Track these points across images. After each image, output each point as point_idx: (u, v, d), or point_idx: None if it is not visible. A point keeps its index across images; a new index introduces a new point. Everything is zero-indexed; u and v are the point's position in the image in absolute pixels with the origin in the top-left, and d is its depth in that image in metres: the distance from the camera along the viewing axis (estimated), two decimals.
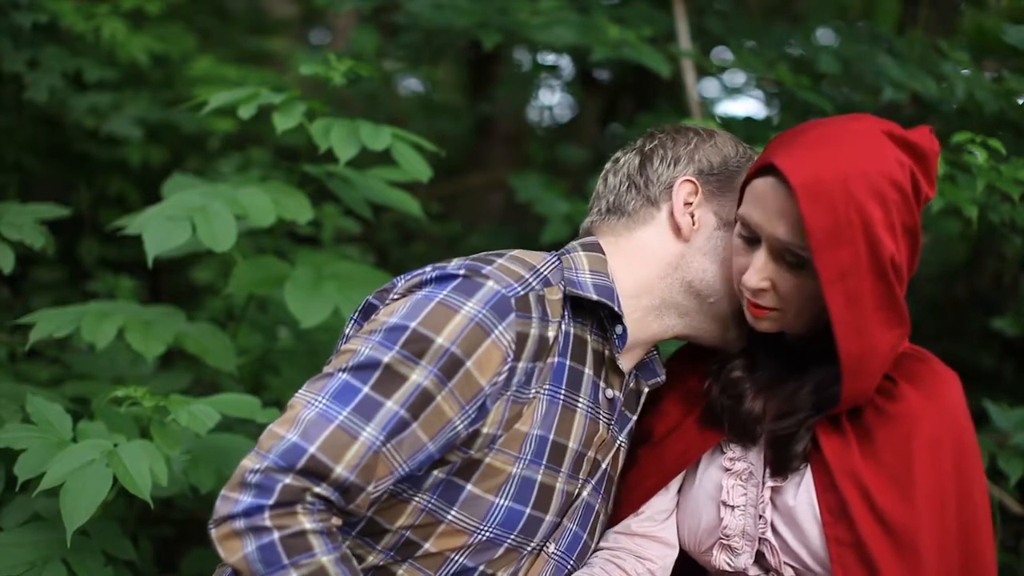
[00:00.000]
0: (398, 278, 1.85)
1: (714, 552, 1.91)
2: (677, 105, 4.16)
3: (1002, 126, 3.30)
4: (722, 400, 1.89)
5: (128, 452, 2.11)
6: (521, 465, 1.80)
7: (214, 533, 1.65)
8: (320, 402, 1.69)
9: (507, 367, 1.74)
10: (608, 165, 2.00)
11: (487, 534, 1.80)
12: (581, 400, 1.86)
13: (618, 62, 3.91)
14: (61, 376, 3.08)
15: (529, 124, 6.53)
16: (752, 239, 1.81)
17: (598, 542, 1.97)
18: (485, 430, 1.76)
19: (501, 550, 1.82)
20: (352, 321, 1.89)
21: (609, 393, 1.91)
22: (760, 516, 1.86)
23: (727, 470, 1.90)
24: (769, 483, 1.86)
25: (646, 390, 1.96)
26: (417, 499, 1.77)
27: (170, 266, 4.18)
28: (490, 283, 1.76)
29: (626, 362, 1.91)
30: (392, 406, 1.68)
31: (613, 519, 1.98)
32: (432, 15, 3.65)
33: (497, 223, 5.45)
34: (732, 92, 4.85)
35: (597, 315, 1.88)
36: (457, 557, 1.80)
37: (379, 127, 2.63)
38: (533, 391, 1.80)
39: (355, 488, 1.67)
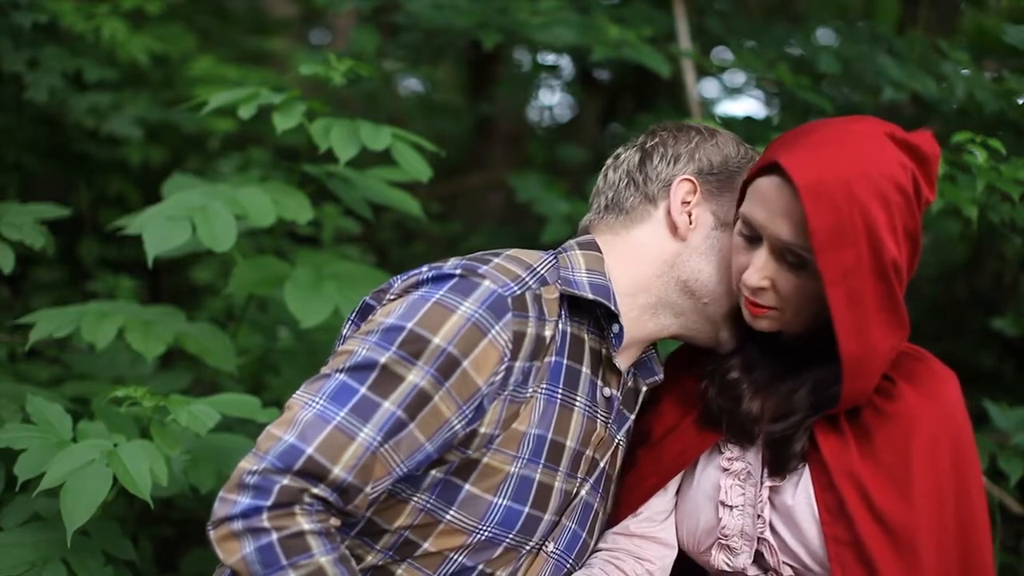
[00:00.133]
0: (395, 278, 1.85)
1: (713, 552, 1.91)
2: (677, 105, 4.16)
3: (1002, 126, 3.30)
4: (720, 401, 1.89)
5: (128, 452, 2.11)
6: (519, 464, 1.80)
7: (212, 535, 1.65)
8: (317, 403, 1.69)
9: (504, 367, 1.74)
10: (609, 161, 2.00)
11: (486, 533, 1.80)
12: (579, 399, 1.86)
13: (618, 62, 3.91)
14: (61, 376, 3.08)
15: (529, 124, 6.53)
16: (753, 238, 1.81)
17: (597, 541, 1.97)
18: (483, 430, 1.76)
19: (500, 549, 1.82)
20: (349, 321, 1.89)
21: (607, 392, 1.91)
22: (758, 516, 1.86)
23: (725, 470, 1.90)
24: (767, 483, 1.86)
25: (644, 389, 1.96)
26: (416, 499, 1.77)
27: (170, 266, 4.18)
28: (486, 283, 1.76)
29: (623, 361, 1.91)
30: (389, 407, 1.68)
31: (612, 520, 1.98)
32: (432, 15, 3.65)
33: (497, 223, 5.45)
34: (732, 92, 4.85)
35: (594, 314, 1.88)
36: (456, 556, 1.80)
37: (379, 127, 2.63)
38: (530, 390, 1.80)
39: (353, 489, 1.67)
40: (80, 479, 2.04)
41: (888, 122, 1.80)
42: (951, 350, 3.56)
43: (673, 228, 1.90)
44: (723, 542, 1.89)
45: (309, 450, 1.65)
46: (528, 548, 1.85)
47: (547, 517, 1.85)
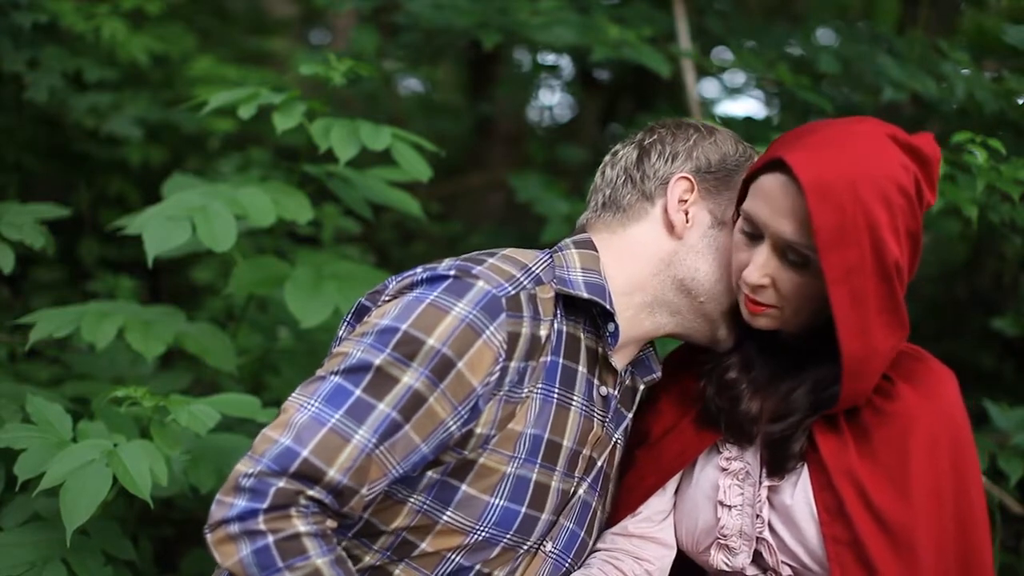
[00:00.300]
0: (390, 279, 1.85)
1: (712, 552, 1.91)
2: (677, 105, 4.16)
3: (1002, 126, 3.30)
4: (718, 400, 1.89)
5: (128, 452, 2.11)
6: (515, 464, 1.80)
7: (209, 538, 1.65)
8: (313, 405, 1.69)
9: (499, 367, 1.74)
10: (607, 158, 1.99)
11: (483, 534, 1.80)
12: (575, 398, 1.86)
13: (618, 62, 3.91)
14: (61, 376, 3.08)
15: (529, 124, 6.53)
16: (754, 235, 1.81)
17: (596, 540, 1.97)
18: (478, 430, 1.76)
19: (497, 549, 1.82)
20: (345, 323, 1.89)
21: (603, 391, 1.90)
22: (757, 515, 1.86)
23: (724, 470, 1.90)
24: (766, 482, 1.86)
25: (642, 387, 1.96)
26: (412, 500, 1.77)
27: (170, 266, 4.18)
28: (480, 283, 1.76)
29: (619, 359, 1.91)
30: (384, 408, 1.68)
31: (610, 520, 1.98)
32: (432, 15, 3.65)
33: (497, 223, 5.45)
34: (732, 92, 4.84)
35: (590, 313, 1.88)
36: (453, 556, 1.80)
37: (379, 127, 2.63)
38: (526, 390, 1.80)
39: (348, 491, 1.67)
40: (80, 479, 2.04)
41: (889, 124, 1.81)
42: (951, 350, 3.56)
43: (670, 226, 1.89)
44: (722, 542, 1.89)
45: (304, 453, 1.65)
46: (526, 548, 1.85)
47: (545, 517, 1.85)
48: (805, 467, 1.84)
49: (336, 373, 1.71)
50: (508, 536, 1.82)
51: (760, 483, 1.87)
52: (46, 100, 3.62)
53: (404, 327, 1.71)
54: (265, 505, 1.63)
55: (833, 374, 1.80)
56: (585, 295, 1.83)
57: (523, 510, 1.82)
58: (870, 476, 1.80)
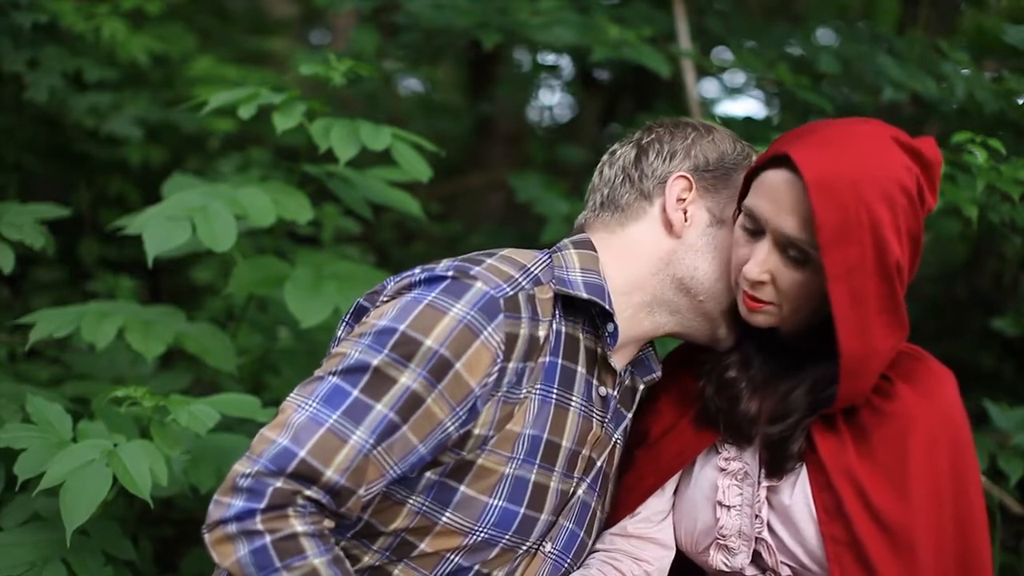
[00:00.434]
0: (388, 280, 1.85)
1: (711, 552, 1.91)
2: (677, 105, 4.16)
3: (1002, 126, 3.30)
4: (717, 400, 1.89)
5: (128, 452, 2.11)
6: (514, 465, 1.80)
7: (207, 538, 1.66)
8: (310, 406, 1.69)
9: (497, 368, 1.74)
10: (605, 157, 1.99)
11: (482, 535, 1.80)
12: (574, 399, 1.86)
13: (618, 62, 3.91)
14: (61, 376, 3.08)
15: (529, 124, 6.53)
16: (756, 231, 1.81)
17: (595, 541, 1.97)
18: (476, 431, 1.76)
19: (496, 550, 1.82)
20: (344, 323, 1.89)
21: (602, 391, 1.90)
22: (756, 516, 1.86)
23: (722, 470, 1.90)
24: (765, 483, 1.86)
25: (642, 387, 1.95)
26: (412, 501, 1.77)
27: (170, 266, 4.18)
28: (478, 284, 1.76)
29: (619, 360, 1.91)
30: (382, 409, 1.68)
31: (610, 520, 1.98)
32: (432, 15, 3.65)
33: (497, 223, 5.45)
34: (732, 92, 4.84)
35: (589, 313, 1.87)
36: (452, 557, 1.80)
37: (379, 127, 2.63)
38: (524, 391, 1.80)
39: (346, 491, 1.67)
40: (80, 479, 2.04)
41: (892, 125, 1.81)
42: (951, 350, 3.56)
43: (668, 225, 1.89)
44: (721, 542, 1.89)
45: (302, 453, 1.65)
46: (525, 548, 1.85)
47: (544, 517, 1.85)
48: (804, 467, 1.84)
49: (334, 373, 1.71)
50: (507, 537, 1.82)
51: (759, 483, 1.87)
52: (46, 100, 3.62)
53: (402, 328, 1.71)
54: (262, 505, 1.63)
55: (832, 373, 1.80)
56: (584, 295, 1.83)
57: (522, 511, 1.82)
58: (869, 476, 1.80)
